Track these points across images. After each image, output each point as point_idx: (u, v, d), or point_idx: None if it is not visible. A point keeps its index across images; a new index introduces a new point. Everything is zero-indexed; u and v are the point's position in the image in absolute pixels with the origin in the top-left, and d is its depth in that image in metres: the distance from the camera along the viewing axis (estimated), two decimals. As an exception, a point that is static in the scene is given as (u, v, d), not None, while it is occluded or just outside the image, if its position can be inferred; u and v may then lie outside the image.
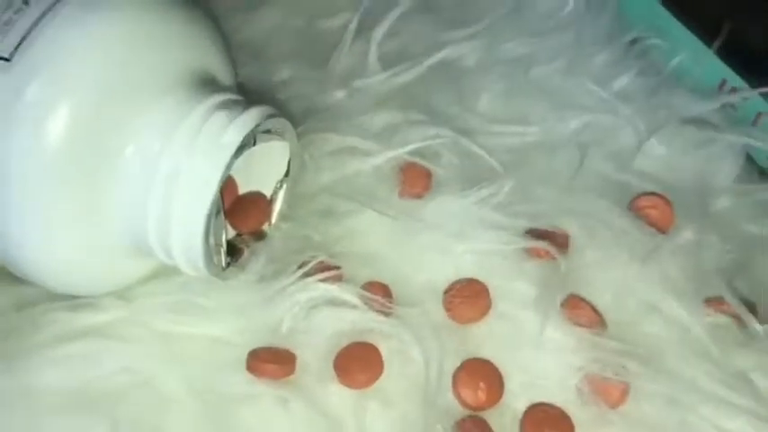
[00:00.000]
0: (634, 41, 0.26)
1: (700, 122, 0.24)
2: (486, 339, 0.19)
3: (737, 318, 0.19)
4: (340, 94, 0.24)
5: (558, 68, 0.25)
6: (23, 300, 0.20)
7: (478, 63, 0.25)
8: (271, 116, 0.19)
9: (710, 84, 0.24)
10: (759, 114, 0.23)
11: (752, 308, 0.20)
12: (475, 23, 0.26)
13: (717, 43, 0.24)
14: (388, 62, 0.25)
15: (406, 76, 0.25)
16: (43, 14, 0.17)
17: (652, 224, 0.21)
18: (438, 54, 0.25)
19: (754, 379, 0.18)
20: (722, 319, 0.19)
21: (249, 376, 0.19)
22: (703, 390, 0.18)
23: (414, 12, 0.25)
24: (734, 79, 0.24)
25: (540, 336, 0.19)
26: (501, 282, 0.20)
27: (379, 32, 0.25)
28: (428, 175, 0.22)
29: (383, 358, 0.19)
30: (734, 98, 0.24)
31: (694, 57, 0.25)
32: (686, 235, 0.21)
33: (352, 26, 0.25)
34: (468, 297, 0.20)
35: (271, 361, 0.19)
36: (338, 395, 0.19)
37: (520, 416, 0.18)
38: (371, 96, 0.24)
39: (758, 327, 0.19)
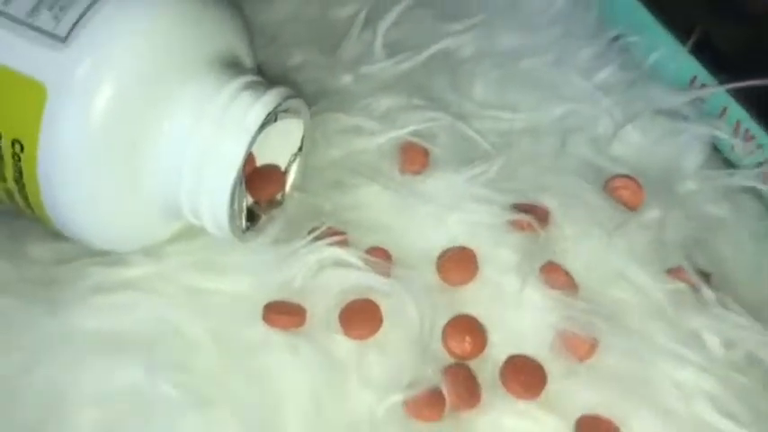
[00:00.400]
0: (616, 38, 0.28)
1: (671, 114, 0.26)
2: (472, 299, 0.22)
3: (694, 286, 0.22)
4: (348, 79, 0.27)
5: (546, 61, 0.28)
6: (64, 255, 0.23)
7: (474, 54, 0.28)
8: (289, 97, 0.21)
9: (683, 79, 0.27)
10: (724, 108, 0.26)
11: (707, 278, 0.22)
12: (472, 17, 0.28)
13: (690, 43, 0.26)
14: (392, 51, 0.27)
15: (408, 64, 0.27)
16: (94, 1, 0.20)
17: (623, 203, 0.24)
18: (437, 45, 0.27)
19: (704, 338, 0.21)
20: (680, 287, 0.22)
21: (265, 326, 0.21)
22: (660, 346, 0.21)
23: (417, 5, 0.28)
24: (704, 76, 0.26)
25: (520, 296, 0.22)
26: (487, 249, 0.23)
27: (384, 24, 0.27)
28: (426, 153, 0.25)
29: (382, 314, 0.22)
30: (703, 93, 0.26)
31: (669, 54, 0.27)
32: (653, 213, 0.23)
33: (361, 17, 0.28)
34: (458, 262, 0.22)
35: (284, 313, 0.21)
36: (342, 344, 0.21)
37: (500, 364, 0.21)
38: (376, 82, 0.26)
39: (710, 294, 0.22)
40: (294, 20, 0.28)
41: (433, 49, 0.27)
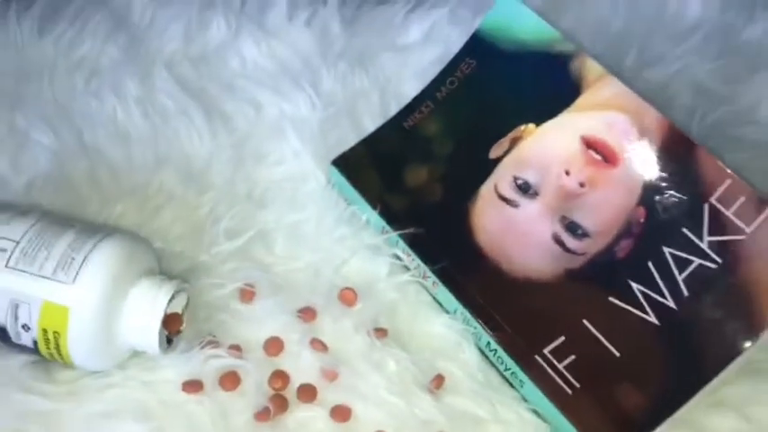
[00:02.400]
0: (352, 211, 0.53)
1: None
2: (279, 363, 0.46)
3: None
4: (205, 257, 0.50)
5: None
6: (73, 375, 0.45)
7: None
8: (180, 286, 0.45)
9: (378, 228, 0.52)
10: (397, 242, 0.51)
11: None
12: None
13: (378, 208, 0.52)
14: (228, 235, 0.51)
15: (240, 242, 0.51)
16: (86, 257, 0.43)
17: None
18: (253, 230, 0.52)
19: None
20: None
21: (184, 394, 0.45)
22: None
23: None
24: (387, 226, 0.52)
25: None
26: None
27: (224, 222, 0.51)
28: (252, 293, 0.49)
29: (240, 376, 0.45)
30: (387, 236, 0.51)
31: (370, 214, 0.52)
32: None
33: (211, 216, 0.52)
34: (271, 344, 0.47)
35: (189, 386, 0.45)
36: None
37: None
38: (222, 256, 0.50)
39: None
40: (175, 223, 0.52)
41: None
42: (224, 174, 0.55)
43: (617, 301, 0.46)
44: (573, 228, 0.48)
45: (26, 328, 0.43)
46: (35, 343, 0.43)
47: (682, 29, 0.63)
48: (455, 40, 0.57)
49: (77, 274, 0.42)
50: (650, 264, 0.46)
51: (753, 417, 0.45)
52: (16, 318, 0.42)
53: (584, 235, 0.47)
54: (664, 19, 0.64)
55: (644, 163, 0.47)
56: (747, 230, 0.44)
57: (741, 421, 0.45)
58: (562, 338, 0.46)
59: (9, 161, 0.53)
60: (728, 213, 0.44)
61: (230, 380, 0.45)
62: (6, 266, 0.42)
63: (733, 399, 0.46)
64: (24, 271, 0.42)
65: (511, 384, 0.47)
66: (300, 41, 0.62)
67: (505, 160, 0.51)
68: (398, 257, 0.51)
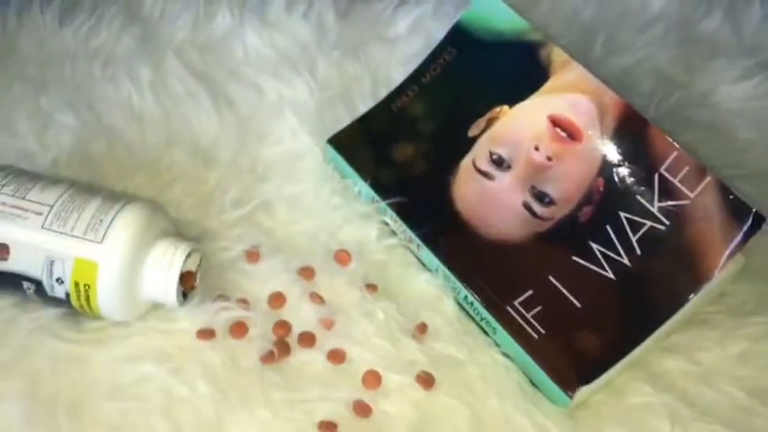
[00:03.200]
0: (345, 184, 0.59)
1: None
2: (287, 313, 0.52)
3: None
4: (215, 222, 0.56)
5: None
6: (100, 324, 0.51)
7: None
8: (193, 246, 0.51)
9: (369, 198, 0.58)
10: (385, 210, 0.57)
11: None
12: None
13: (369, 180, 0.58)
14: (235, 204, 0.57)
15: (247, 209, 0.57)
16: (112, 219, 0.48)
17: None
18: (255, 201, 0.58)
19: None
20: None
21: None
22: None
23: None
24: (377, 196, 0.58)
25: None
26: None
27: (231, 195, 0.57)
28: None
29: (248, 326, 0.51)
30: (377, 205, 0.57)
31: (363, 187, 0.58)
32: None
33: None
34: (275, 299, 0.53)
35: (202, 333, 0.51)
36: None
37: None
38: (229, 222, 0.56)
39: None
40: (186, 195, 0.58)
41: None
42: (229, 151, 0.61)
43: (579, 260, 0.52)
44: (541, 196, 0.54)
45: (60, 281, 0.48)
46: (67, 295, 0.49)
47: (645, 20, 0.70)
48: (438, 33, 0.63)
49: (105, 234, 0.48)
50: (608, 227, 0.52)
51: (699, 360, 0.52)
52: (51, 272, 0.48)
53: (551, 202, 0.54)
54: (628, 11, 0.70)
55: (603, 139, 0.53)
56: (691, 196, 0.50)
57: (689, 364, 0.52)
58: (530, 292, 0.52)
59: (36, 139, 0.59)
60: (675, 181, 0.51)
61: (239, 329, 0.51)
62: (43, 227, 0.48)
63: (682, 345, 0.52)
64: (59, 231, 0.48)
65: (485, 332, 0.53)
66: (298, 32, 0.68)
67: (482, 138, 0.57)
68: (387, 224, 0.57)
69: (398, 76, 0.63)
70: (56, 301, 0.50)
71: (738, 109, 0.64)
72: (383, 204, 0.57)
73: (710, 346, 0.52)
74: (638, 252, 0.51)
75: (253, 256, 0.54)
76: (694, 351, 0.52)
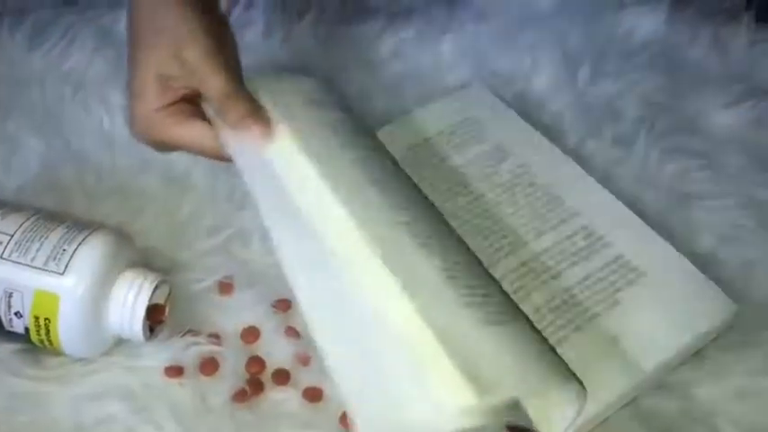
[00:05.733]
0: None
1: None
2: (257, 349, 0.50)
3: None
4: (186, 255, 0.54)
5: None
6: (61, 360, 0.48)
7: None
8: (161, 279, 0.48)
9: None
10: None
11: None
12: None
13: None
14: (208, 233, 0.55)
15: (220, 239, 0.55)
16: (75, 249, 0.46)
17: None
18: (231, 228, 0.56)
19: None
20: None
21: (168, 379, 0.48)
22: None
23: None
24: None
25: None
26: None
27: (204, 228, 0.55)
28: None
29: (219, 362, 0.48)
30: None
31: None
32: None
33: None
34: (248, 332, 0.50)
35: (171, 370, 0.48)
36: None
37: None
38: (200, 252, 0.54)
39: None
40: (157, 223, 0.55)
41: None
42: (205, 178, 0.58)
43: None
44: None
45: (18, 315, 0.46)
46: (27, 330, 0.46)
47: (632, 47, 0.68)
48: (420, 57, 0.61)
49: (67, 265, 0.46)
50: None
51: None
52: (9, 305, 0.46)
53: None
54: (615, 38, 0.69)
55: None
56: None
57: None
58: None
59: (1, 165, 0.57)
60: None
61: (209, 365, 0.48)
62: (1, 257, 0.46)
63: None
64: (18, 262, 0.46)
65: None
66: (277, 57, 0.66)
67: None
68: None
69: (380, 103, 0.61)
70: (14, 336, 0.47)
71: (728, 135, 0.63)
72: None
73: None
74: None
75: (226, 287, 0.52)
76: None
